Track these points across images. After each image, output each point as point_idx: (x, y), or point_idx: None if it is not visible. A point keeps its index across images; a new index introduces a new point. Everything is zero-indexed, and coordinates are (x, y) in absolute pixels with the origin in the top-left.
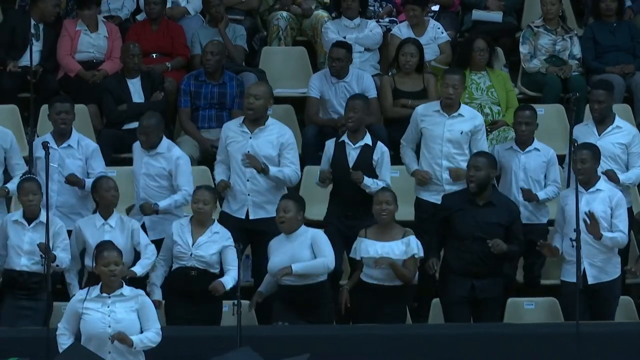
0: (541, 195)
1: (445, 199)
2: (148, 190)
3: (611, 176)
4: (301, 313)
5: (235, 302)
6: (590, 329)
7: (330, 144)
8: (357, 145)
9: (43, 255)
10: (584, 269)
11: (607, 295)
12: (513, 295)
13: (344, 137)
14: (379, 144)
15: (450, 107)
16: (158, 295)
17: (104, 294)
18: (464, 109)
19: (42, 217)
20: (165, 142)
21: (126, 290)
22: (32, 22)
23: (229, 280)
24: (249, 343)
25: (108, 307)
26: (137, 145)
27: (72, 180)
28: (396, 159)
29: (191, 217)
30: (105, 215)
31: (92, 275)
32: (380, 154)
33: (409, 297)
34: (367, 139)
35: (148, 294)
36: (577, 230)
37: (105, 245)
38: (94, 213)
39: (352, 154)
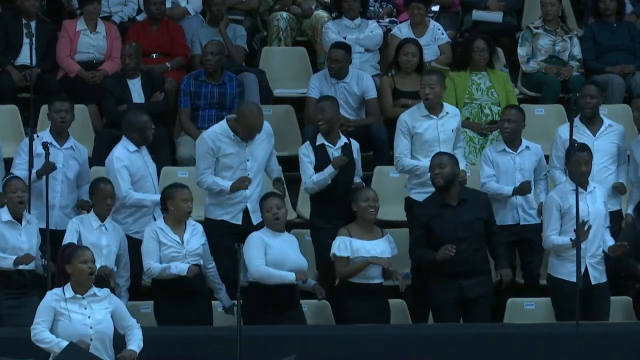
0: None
1: (420, 208)
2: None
3: (621, 189)
4: (279, 313)
5: (235, 302)
6: (590, 329)
7: (307, 149)
8: (337, 146)
9: (43, 256)
10: (585, 268)
11: (604, 295)
12: (513, 296)
13: (322, 140)
14: (353, 141)
15: (434, 107)
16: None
17: (78, 295)
18: (446, 107)
19: (27, 215)
20: None
21: (96, 290)
22: (24, 21)
23: (224, 297)
24: (247, 343)
25: (86, 308)
26: (127, 152)
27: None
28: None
29: (164, 217)
30: (102, 218)
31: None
32: (357, 151)
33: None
34: (344, 138)
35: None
36: (577, 230)
37: (77, 245)
38: (88, 212)
39: (335, 154)
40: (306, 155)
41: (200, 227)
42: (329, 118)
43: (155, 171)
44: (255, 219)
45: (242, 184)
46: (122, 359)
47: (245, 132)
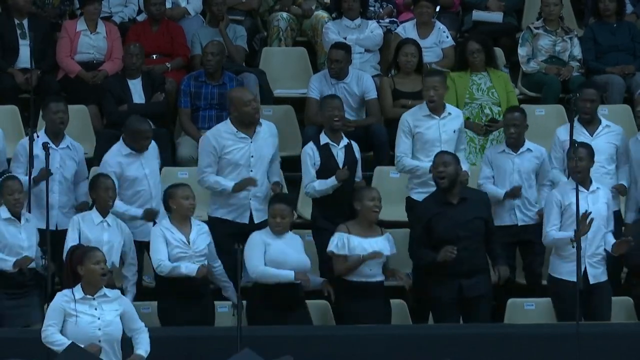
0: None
1: (421, 206)
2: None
3: (621, 190)
4: (282, 313)
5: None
6: (590, 329)
7: (311, 149)
8: (341, 145)
9: (43, 256)
10: (585, 269)
11: (605, 295)
12: (513, 296)
13: (326, 139)
14: (353, 142)
15: (436, 109)
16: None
17: (88, 295)
18: (449, 108)
19: (25, 214)
20: None
21: (107, 291)
22: (16, 21)
23: (232, 294)
24: (248, 343)
25: (96, 309)
26: (120, 152)
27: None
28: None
29: (169, 217)
30: (103, 214)
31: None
32: (359, 152)
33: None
34: (345, 139)
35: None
36: (577, 230)
37: (87, 246)
38: (90, 209)
39: (339, 154)
40: (310, 157)
41: (205, 227)
42: (344, 116)
43: (153, 174)
44: (258, 217)
45: (247, 184)
46: None
47: (243, 116)
